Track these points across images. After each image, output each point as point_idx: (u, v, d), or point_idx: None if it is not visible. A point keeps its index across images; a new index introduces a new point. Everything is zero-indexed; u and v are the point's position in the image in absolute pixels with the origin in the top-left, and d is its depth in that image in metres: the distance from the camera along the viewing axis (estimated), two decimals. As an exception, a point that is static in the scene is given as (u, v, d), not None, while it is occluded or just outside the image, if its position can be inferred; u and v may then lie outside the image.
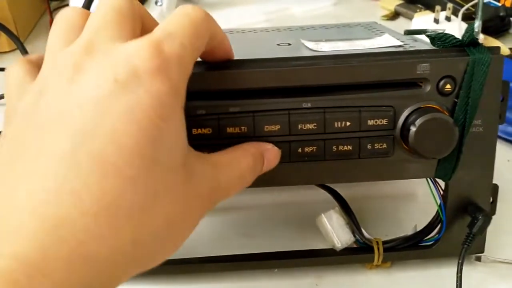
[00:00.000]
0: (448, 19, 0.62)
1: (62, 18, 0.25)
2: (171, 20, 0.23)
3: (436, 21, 0.62)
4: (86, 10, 0.25)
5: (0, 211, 0.19)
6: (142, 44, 0.21)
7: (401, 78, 0.31)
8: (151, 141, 0.20)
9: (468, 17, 0.63)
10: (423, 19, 0.64)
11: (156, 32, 0.22)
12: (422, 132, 0.30)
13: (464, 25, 0.60)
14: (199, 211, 0.24)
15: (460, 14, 0.60)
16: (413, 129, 0.30)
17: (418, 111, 0.31)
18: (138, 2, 0.25)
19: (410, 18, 0.66)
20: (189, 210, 0.23)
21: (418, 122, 0.30)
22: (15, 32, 0.64)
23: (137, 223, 0.20)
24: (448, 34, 0.33)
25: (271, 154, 0.29)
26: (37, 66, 0.24)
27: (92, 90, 0.20)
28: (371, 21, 0.53)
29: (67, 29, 0.24)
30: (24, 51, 0.62)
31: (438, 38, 0.33)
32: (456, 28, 0.60)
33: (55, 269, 0.17)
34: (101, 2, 0.24)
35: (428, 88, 0.31)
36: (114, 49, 0.21)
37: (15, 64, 0.25)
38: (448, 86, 0.31)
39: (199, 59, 0.27)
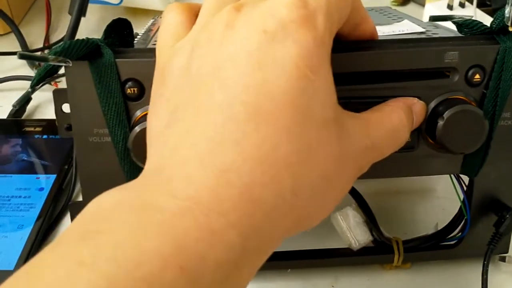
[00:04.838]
0: (462, 5, 0.59)
1: None
2: None
3: (450, 7, 0.59)
4: None
5: (168, 166, 0.20)
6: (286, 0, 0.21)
7: (428, 67, 0.28)
8: (301, 91, 0.20)
9: (482, 3, 0.60)
10: (436, 5, 0.61)
11: None
12: (451, 125, 0.28)
13: (479, 12, 0.58)
14: (353, 171, 0.23)
15: (475, 0, 0.58)
16: (440, 122, 0.28)
17: (446, 103, 0.29)
18: None
19: (422, 3, 0.64)
20: (343, 168, 0.22)
21: (446, 114, 0.28)
22: (9, 15, 0.61)
23: (295, 171, 0.20)
24: (476, 20, 0.31)
25: (417, 108, 0.28)
26: (192, 17, 0.25)
27: (243, 42, 0.20)
28: (384, 6, 0.50)
29: None
30: (19, 34, 0.60)
31: (466, 25, 0.31)
32: (470, 15, 0.57)
33: (228, 210, 0.18)
34: None
35: (456, 78, 0.29)
36: (262, 3, 0.21)
37: (172, 10, 0.25)
38: (477, 76, 0.29)
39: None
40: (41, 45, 0.61)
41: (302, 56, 0.20)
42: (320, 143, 0.21)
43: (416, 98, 0.28)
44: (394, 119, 0.25)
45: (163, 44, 0.25)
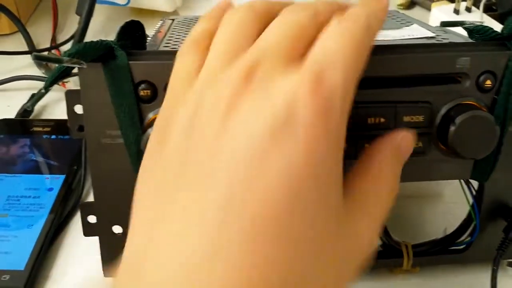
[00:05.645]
0: (468, 9, 0.59)
1: (238, 17, 0.22)
2: (329, 35, 0.21)
3: (456, 11, 0.59)
4: (270, 8, 0.23)
5: (149, 271, 0.18)
6: (302, 82, 0.19)
7: (439, 72, 0.28)
8: (298, 196, 0.18)
9: (489, 8, 0.60)
10: (442, 9, 0.61)
11: (317, 59, 0.20)
12: (462, 131, 0.28)
13: (485, 16, 0.58)
14: (353, 271, 0.21)
15: (481, 5, 0.58)
16: (452, 127, 0.28)
17: (457, 108, 0.29)
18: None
19: (428, 7, 0.64)
20: (342, 276, 0.20)
21: (458, 119, 0.28)
22: (16, 14, 0.61)
23: None
24: (487, 26, 0.31)
25: (406, 143, 0.25)
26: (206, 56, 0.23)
27: (247, 139, 0.18)
28: (392, 10, 0.51)
29: (238, 35, 0.22)
30: (26, 34, 0.60)
31: (477, 31, 0.31)
32: (477, 19, 0.58)
33: None
34: (287, 10, 0.22)
35: (467, 83, 0.29)
36: (273, 86, 0.19)
37: (188, 51, 0.23)
38: (488, 82, 0.29)
39: None
40: (47, 45, 0.61)
41: (310, 164, 0.18)
42: (318, 251, 0.19)
43: (404, 130, 0.25)
44: (389, 181, 0.24)
45: (173, 86, 0.23)
